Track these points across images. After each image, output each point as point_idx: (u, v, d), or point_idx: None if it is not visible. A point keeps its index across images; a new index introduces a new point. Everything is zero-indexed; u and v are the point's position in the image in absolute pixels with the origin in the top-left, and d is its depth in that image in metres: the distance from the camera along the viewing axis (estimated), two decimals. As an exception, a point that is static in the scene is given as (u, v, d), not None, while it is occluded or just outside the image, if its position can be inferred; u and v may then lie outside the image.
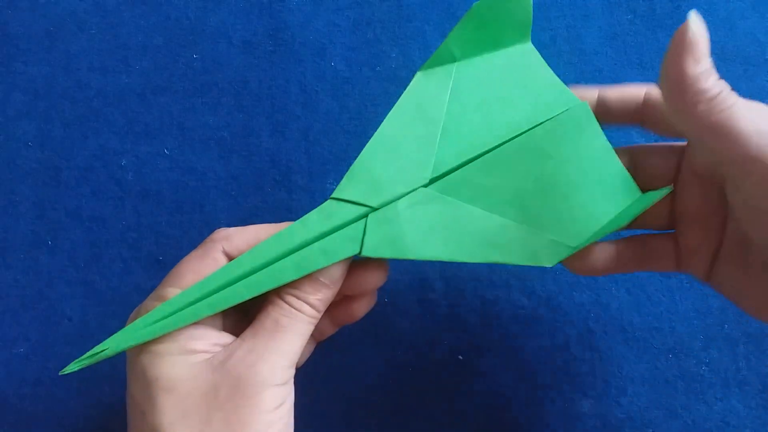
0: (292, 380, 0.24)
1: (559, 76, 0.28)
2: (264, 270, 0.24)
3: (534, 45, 0.28)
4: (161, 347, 0.22)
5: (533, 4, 0.26)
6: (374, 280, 0.26)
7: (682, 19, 0.38)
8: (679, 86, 0.22)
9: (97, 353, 0.22)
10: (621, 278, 0.35)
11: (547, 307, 0.35)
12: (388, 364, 0.34)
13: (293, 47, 0.38)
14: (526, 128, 0.26)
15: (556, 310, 0.35)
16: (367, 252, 0.24)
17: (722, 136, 0.21)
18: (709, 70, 0.21)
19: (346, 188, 0.25)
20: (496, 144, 0.26)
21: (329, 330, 0.28)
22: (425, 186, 0.25)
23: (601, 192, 0.26)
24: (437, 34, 0.39)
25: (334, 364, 0.34)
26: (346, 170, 0.36)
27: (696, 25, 0.22)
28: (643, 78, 0.38)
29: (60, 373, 0.23)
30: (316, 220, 0.24)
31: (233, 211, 0.36)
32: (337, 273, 0.24)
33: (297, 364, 0.26)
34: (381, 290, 0.34)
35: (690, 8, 0.39)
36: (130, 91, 0.37)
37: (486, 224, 0.25)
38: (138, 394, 0.22)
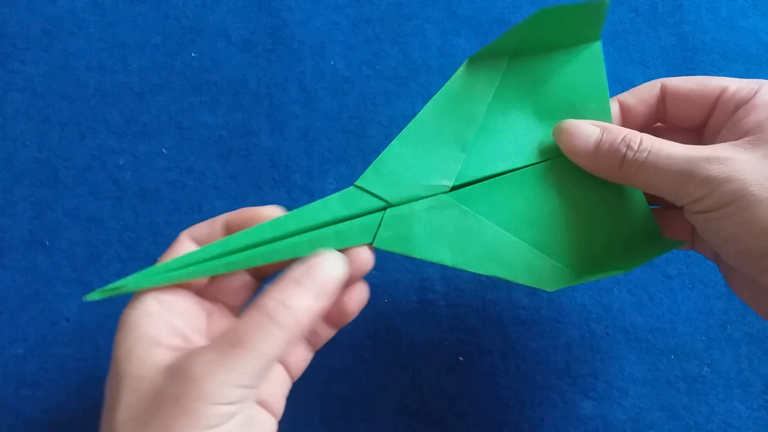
0: (252, 399, 0.22)
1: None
2: (281, 241, 0.25)
3: None
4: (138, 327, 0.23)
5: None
6: (360, 261, 0.25)
7: (684, 17, 0.39)
8: (587, 162, 0.25)
9: (119, 287, 0.24)
10: (623, 279, 0.35)
11: (548, 308, 0.34)
12: (389, 365, 0.34)
13: (292, 46, 0.38)
14: (556, 155, 0.27)
15: (558, 311, 0.34)
16: (378, 244, 0.25)
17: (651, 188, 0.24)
18: (604, 140, 0.24)
19: (370, 179, 0.25)
20: (524, 164, 0.27)
21: (325, 334, 0.27)
22: (446, 193, 0.26)
23: (620, 230, 0.27)
24: (437, 32, 0.38)
25: (334, 366, 0.33)
26: (346, 170, 0.37)
27: None
28: (645, 76, 0.38)
29: (84, 299, 0.23)
30: (337, 204, 0.25)
31: (232, 210, 0.35)
32: (330, 285, 0.23)
33: (292, 375, 0.26)
34: (381, 291, 0.34)
35: (691, 7, 0.39)
36: (128, 90, 0.37)
37: (496, 239, 0.26)
38: (111, 388, 0.22)
